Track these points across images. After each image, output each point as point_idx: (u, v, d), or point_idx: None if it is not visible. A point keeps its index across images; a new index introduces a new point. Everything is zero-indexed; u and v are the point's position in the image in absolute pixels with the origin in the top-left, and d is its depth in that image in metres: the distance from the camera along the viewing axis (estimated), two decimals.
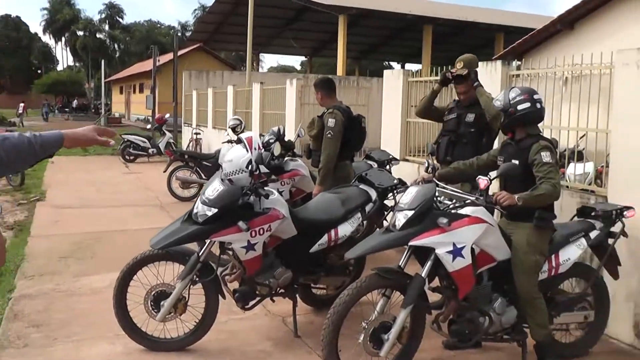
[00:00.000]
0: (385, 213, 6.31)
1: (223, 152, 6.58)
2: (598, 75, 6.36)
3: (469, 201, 4.57)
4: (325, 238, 5.58)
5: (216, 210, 4.90)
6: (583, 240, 5.03)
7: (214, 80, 28.63)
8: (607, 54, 5.98)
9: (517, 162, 4.68)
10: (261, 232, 5.03)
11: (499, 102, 4.81)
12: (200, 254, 5.04)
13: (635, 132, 5.48)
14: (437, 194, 4.63)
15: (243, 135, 5.21)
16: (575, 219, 5.36)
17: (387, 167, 8.56)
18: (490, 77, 7.15)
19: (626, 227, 5.15)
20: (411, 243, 4.41)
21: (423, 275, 4.45)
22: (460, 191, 4.80)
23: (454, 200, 4.70)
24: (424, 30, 33.76)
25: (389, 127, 9.58)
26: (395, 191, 6.19)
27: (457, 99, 6.41)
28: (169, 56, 38.40)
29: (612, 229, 5.15)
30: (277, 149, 7.21)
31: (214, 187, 5.03)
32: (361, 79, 19.39)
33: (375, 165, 8.49)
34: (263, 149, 5.38)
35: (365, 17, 34.16)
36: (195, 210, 5.01)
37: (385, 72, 9.78)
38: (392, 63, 57.20)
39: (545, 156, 4.58)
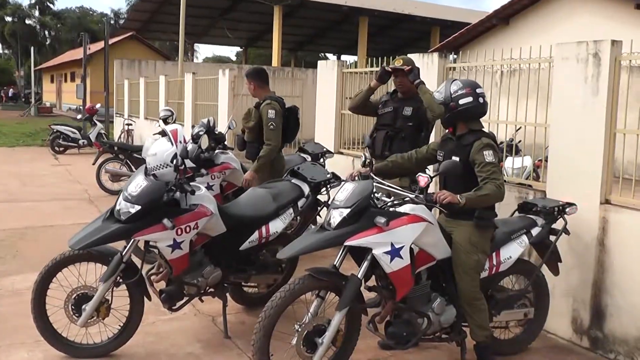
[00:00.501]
0: (319, 208, 6.13)
1: (147, 146, 6.24)
2: (534, 69, 6.36)
3: (407, 199, 4.40)
4: (255, 235, 5.40)
5: (139, 207, 4.63)
6: (524, 238, 4.98)
7: (147, 69, 28.01)
8: (544, 49, 5.99)
9: (457, 158, 4.56)
10: (187, 229, 4.80)
11: (439, 95, 4.68)
12: (123, 254, 4.78)
13: (574, 126, 5.47)
14: (374, 190, 4.45)
15: (168, 128, 4.97)
16: (516, 214, 5.32)
17: (321, 160, 8.40)
18: (427, 69, 7.07)
19: (568, 224, 5.13)
20: (347, 243, 4.22)
21: (359, 276, 4.27)
22: (399, 188, 4.61)
23: (392, 198, 4.53)
24: (360, 22, 33.87)
25: (323, 119, 9.43)
26: (328, 186, 6.02)
27: (390, 91, 6.28)
28: (100, 44, 37.33)
29: (554, 226, 5.13)
30: (205, 141, 6.93)
31: (137, 183, 4.76)
32: (296, 70, 19.23)
33: (309, 158, 8.33)
34: (190, 142, 5.15)
35: (300, 8, 34.08)
36: (117, 207, 4.73)
37: (320, 62, 9.61)
38: (328, 55, 57.17)
39: (488, 155, 4.46)
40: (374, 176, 4.74)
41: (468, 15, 35.62)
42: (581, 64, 5.43)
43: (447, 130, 4.92)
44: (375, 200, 4.43)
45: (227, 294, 5.53)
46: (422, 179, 4.29)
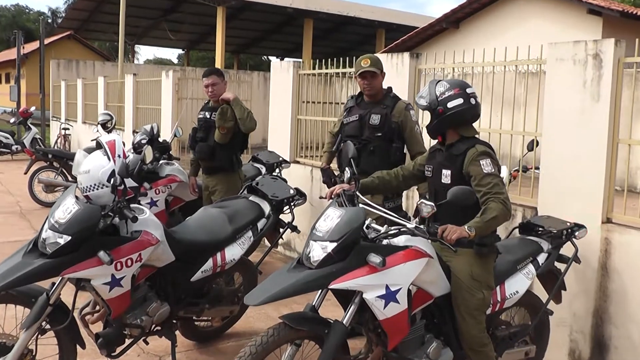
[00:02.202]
0: (282, 230, 5.35)
1: (78, 160, 5.48)
2: (482, 74, 6.18)
3: (404, 229, 3.62)
4: (209, 263, 4.63)
5: (69, 237, 3.74)
6: (531, 268, 4.30)
7: (85, 70, 26.72)
8: (496, 53, 5.67)
9: (448, 172, 3.89)
10: (129, 263, 3.96)
11: (423, 100, 3.95)
12: (50, 294, 3.90)
13: (570, 136, 4.88)
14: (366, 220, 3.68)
15: (103, 139, 4.13)
16: (516, 234, 4.70)
17: (277, 170, 7.71)
18: (397, 71, 6.42)
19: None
20: (332, 287, 3.44)
21: (345, 322, 3.49)
22: (393, 214, 3.80)
23: (386, 226, 3.75)
24: (305, 24, 33.27)
25: (278, 125, 8.67)
26: (292, 204, 5.28)
27: (355, 95, 5.56)
28: (36, 44, 35.82)
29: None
30: (149, 153, 6.07)
31: (66, 207, 3.88)
32: (241, 73, 18.59)
33: (263, 169, 7.62)
34: (131, 153, 4.32)
35: (244, 10, 33.39)
36: (42, 238, 3.84)
37: (273, 63, 8.86)
38: (271, 57, 56.43)
39: (486, 165, 3.76)
40: (360, 195, 3.96)
41: (413, 18, 35.62)
42: (579, 66, 4.85)
43: (435, 141, 4.19)
44: (365, 229, 3.67)
45: (177, 331, 4.73)
46: (425, 208, 3.54)
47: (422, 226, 3.57)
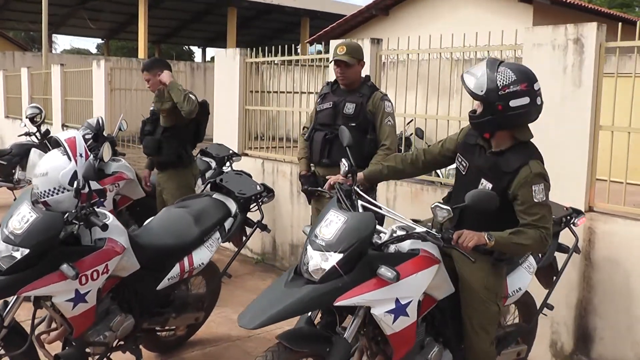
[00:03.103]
0: (252, 230, 4.91)
1: (33, 161, 4.95)
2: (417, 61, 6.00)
3: (413, 232, 3.21)
4: (176, 269, 4.22)
5: (27, 250, 3.29)
6: (532, 261, 3.93)
7: (4, 62, 25.33)
8: (424, 41, 5.65)
9: (490, 185, 3.31)
10: (95, 276, 3.51)
11: (476, 84, 3.23)
12: (4, 316, 3.43)
13: (550, 123, 4.59)
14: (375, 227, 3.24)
15: (62, 136, 3.66)
16: None
17: (228, 164, 7.30)
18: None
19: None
20: (338, 304, 3.05)
21: (348, 337, 3.13)
22: (402, 216, 3.39)
23: (390, 228, 3.37)
24: (229, 12, 32.60)
25: (225, 117, 8.25)
26: (261, 201, 4.88)
27: (331, 81, 5.23)
28: None
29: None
30: (106, 152, 5.45)
31: (22, 216, 3.40)
32: (170, 62, 17.93)
33: (213, 162, 7.19)
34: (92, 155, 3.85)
35: None
36: None
37: (218, 51, 8.42)
38: (192, 47, 55.39)
39: (538, 192, 3.21)
40: (358, 190, 3.57)
41: (338, 6, 35.30)
42: (559, 52, 4.68)
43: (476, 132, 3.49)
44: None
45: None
46: (440, 213, 3.05)
47: (433, 230, 3.20)
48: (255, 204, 4.89)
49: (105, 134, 6.43)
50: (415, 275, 3.16)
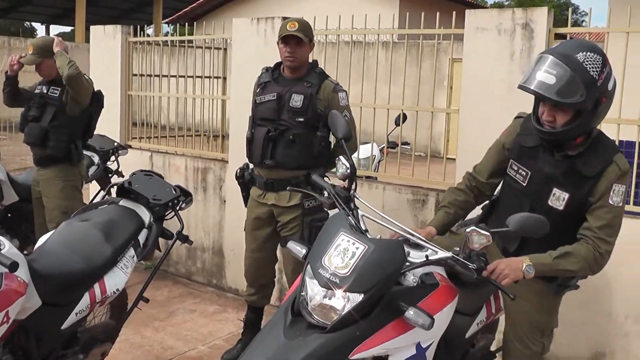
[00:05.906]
0: (169, 244, 4.07)
1: None
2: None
3: (436, 258, 2.58)
4: (85, 300, 3.39)
5: None
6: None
7: None
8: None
9: (565, 194, 2.74)
10: None
11: (558, 87, 2.60)
12: None
13: (494, 112, 4.37)
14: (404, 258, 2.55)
15: None
16: None
17: (113, 158, 6.39)
18: (265, 38, 5.54)
19: None
20: (355, 357, 2.39)
21: None
22: (424, 239, 2.71)
23: (408, 251, 2.64)
24: None
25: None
26: (179, 207, 4.05)
27: (270, 67, 4.46)
28: None
29: None
30: None
31: None
32: (14, 40, 16.57)
33: (95, 157, 6.24)
34: None
35: None
36: None
37: (94, 28, 7.38)
38: (34, 24, 52.04)
39: (617, 193, 2.69)
40: (359, 197, 2.92)
41: None
42: (505, 37, 4.40)
43: (538, 123, 2.82)
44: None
45: None
46: (478, 239, 2.46)
47: (460, 257, 2.58)
48: (171, 210, 4.05)
49: None
50: (441, 313, 2.57)
